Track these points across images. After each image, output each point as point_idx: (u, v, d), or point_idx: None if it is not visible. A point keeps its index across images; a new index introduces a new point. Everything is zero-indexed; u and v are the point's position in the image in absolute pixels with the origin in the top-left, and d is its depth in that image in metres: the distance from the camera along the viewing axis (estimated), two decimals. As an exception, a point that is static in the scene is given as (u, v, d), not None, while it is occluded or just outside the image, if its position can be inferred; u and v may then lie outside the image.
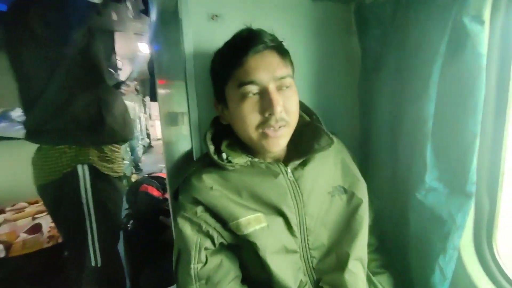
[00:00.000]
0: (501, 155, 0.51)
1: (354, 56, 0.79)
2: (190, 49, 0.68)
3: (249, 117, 0.51)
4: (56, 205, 0.97)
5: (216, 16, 0.68)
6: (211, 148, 0.56)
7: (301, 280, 0.54)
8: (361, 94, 0.76)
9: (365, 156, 0.75)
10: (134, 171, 4.30)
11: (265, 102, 0.50)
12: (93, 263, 0.96)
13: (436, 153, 0.54)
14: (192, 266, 0.50)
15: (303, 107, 0.65)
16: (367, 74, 0.71)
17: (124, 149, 3.81)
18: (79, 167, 0.93)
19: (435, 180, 0.55)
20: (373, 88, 0.68)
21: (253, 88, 0.51)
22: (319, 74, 0.79)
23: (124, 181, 3.42)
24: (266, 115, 0.50)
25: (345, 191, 0.60)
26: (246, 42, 0.51)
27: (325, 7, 0.77)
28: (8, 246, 1.59)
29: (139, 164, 4.73)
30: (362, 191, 0.60)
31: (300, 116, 0.65)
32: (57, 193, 0.94)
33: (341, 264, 0.54)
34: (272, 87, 0.51)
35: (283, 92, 0.52)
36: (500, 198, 0.54)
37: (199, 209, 0.53)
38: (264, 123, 0.51)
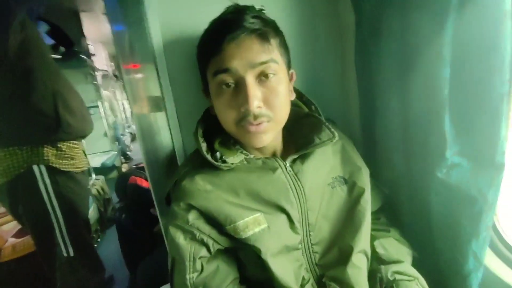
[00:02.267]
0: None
1: (346, 25, 0.70)
2: (156, 26, 0.58)
3: (226, 112, 0.48)
4: (14, 206, 0.99)
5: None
6: (203, 146, 0.51)
7: (303, 277, 0.52)
8: (359, 68, 0.67)
9: (369, 140, 0.68)
10: (123, 160, 4.21)
11: (240, 96, 0.45)
12: (65, 254, 1.04)
13: (456, 124, 0.47)
14: (187, 276, 0.47)
15: (301, 97, 0.60)
16: (365, 44, 0.62)
17: (110, 140, 3.70)
18: (35, 167, 0.93)
19: (457, 155, 0.48)
20: (373, 58, 0.59)
21: (228, 78, 0.46)
22: (303, 50, 0.70)
23: (115, 172, 3.38)
24: (242, 110, 0.46)
25: (346, 181, 0.56)
26: (223, 27, 0.46)
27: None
28: (-1, 252, 1.55)
29: (128, 153, 4.61)
30: (363, 179, 0.55)
31: (298, 106, 0.60)
32: (12, 195, 0.96)
33: (344, 258, 0.52)
34: (250, 78, 0.46)
35: (266, 82, 0.47)
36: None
37: (191, 216, 0.49)
38: (242, 119, 0.47)
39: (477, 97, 0.43)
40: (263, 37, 0.47)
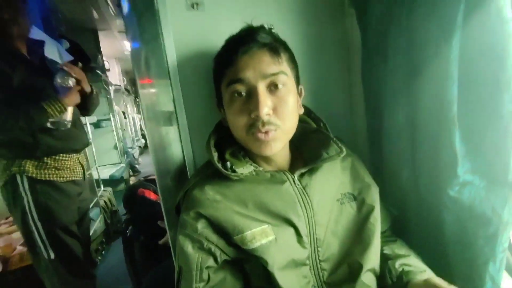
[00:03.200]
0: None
1: (352, 41, 0.72)
2: (170, 43, 0.61)
3: (238, 118, 0.49)
4: (8, 209, 1.15)
5: (197, 4, 0.62)
6: (215, 155, 0.53)
7: None
8: (366, 84, 0.67)
9: (376, 157, 0.68)
10: (131, 173, 4.26)
11: (252, 103, 0.48)
12: (46, 256, 1.14)
13: (467, 141, 0.46)
14: (194, 286, 0.48)
15: (309, 113, 0.62)
16: (371, 60, 0.63)
17: (119, 152, 3.77)
18: (18, 176, 1.08)
19: (469, 173, 0.47)
20: (380, 75, 0.60)
21: (241, 87, 0.49)
22: (311, 65, 0.72)
23: (122, 185, 3.41)
24: (253, 116, 0.48)
25: (355, 198, 0.56)
26: (237, 41, 0.50)
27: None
28: (5, 260, 1.57)
29: (136, 166, 4.67)
30: (372, 197, 0.55)
31: (306, 123, 0.62)
32: (5, 198, 1.12)
33: (353, 276, 0.51)
34: (261, 87, 0.48)
35: (275, 92, 0.49)
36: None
37: (200, 225, 0.49)
38: (251, 125, 0.49)
39: (486, 114, 0.43)
40: (274, 50, 0.49)
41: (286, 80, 0.49)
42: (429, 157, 0.52)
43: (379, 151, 0.66)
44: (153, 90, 0.65)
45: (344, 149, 0.54)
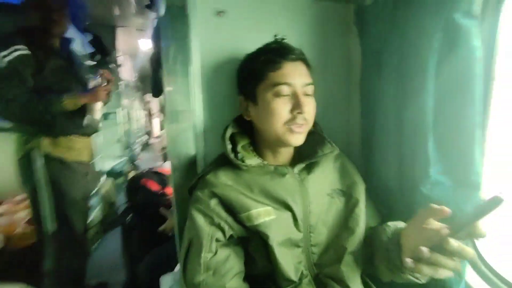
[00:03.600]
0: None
1: (354, 56, 0.81)
2: (196, 45, 0.70)
3: (280, 112, 0.58)
4: (22, 180, 1.25)
5: (222, 12, 0.71)
6: (229, 147, 0.62)
7: (302, 272, 0.58)
8: (363, 94, 0.77)
9: (367, 156, 0.76)
10: (130, 168, 4.31)
11: (296, 103, 0.57)
12: (50, 228, 1.24)
13: (439, 146, 0.55)
14: (202, 255, 0.54)
15: None
16: (369, 74, 0.72)
17: (122, 146, 3.84)
18: (34, 150, 1.19)
19: (440, 174, 0.55)
20: (375, 87, 0.69)
21: (285, 89, 0.58)
22: (314, 75, 0.80)
23: (122, 178, 3.45)
24: (295, 113, 0.57)
25: (344, 193, 0.65)
26: (283, 50, 0.60)
27: (326, 7, 0.79)
28: (7, 238, 1.61)
29: (136, 162, 4.72)
30: (358, 192, 0.64)
31: None
32: (21, 169, 1.23)
33: (339, 257, 0.58)
34: (302, 92, 0.58)
35: (307, 98, 0.59)
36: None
37: (213, 202, 0.58)
38: (291, 120, 0.58)
39: (456, 125, 0.52)
40: (307, 64, 0.62)
41: (313, 91, 0.61)
42: (409, 160, 0.61)
43: (371, 153, 0.74)
44: (175, 87, 0.72)
45: (336, 148, 0.64)
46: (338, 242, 0.60)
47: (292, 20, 0.78)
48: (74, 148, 1.30)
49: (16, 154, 1.23)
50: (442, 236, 0.38)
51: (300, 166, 0.63)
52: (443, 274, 0.42)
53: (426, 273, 0.41)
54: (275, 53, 0.60)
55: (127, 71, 4.17)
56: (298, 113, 0.57)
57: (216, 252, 0.55)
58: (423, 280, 0.50)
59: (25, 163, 1.20)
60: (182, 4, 0.67)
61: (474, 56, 0.47)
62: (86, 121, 1.28)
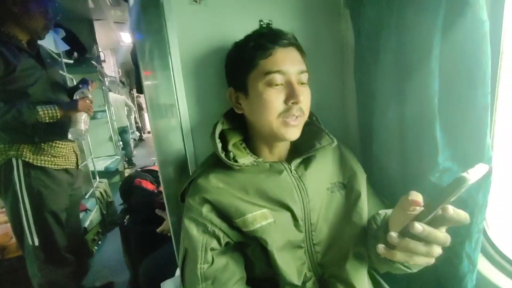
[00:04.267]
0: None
1: (347, 41, 0.75)
2: (173, 36, 0.64)
3: (274, 104, 0.53)
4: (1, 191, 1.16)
5: (199, -2, 0.64)
6: (219, 146, 0.57)
7: (305, 275, 0.55)
8: (359, 80, 0.72)
9: (367, 149, 0.72)
10: (126, 166, 4.25)
11: (290, 92, 0.53)
12: (30, 242, 1.17)
13: (446, 132, 0.51)
14: (198, 266, 0.51)
15: None
16: (363, 60, 0.67)
17: (115, 144, 3.76)
18: (13, 160, 1.10)
19: (449, 160, 0.51)
20: (371, 72, 0.64)
21: (278, 78, 0.53)
22: (310, 61, 0.75)
23: (117, 177, 3.41)
24: (289, 104, 0.53)
25: (344, 186, 0.61)
26: (274, 36, 0.55)
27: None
28: (2, 248, 1.58)
29: (131, 158, 4.66)
30: (359, 183, 0.60)
31: None
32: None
33: (343, 256, 0.55)
34: (296, 80, 0.54)
35: (301, 86, 0.55)
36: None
37: (205, 209, 0.54)
38: (286, 111, 0.54)
39: (464, 107, 0.47)
40: (301, 50, 0.57)
41: (307, 78, 0.56)
42: (414, 148, 0.57)
43: (370, 143, 0.70)
44: (156, 82, 0.67)
45: (335, 140, 0.59)
46: (341, 239, 0.57)
47: (278, 4, 0.71)
48: (59, 155, 1.22)
49: None
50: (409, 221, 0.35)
51: (297, 161, 0.59)
52: (419, 260, 0.39)
53: (398, 258, 0.38)
54: (265, 39, 0.54)
55: (110, 67, 4.00)
56: (294, 103, 0.52)
57: (212, 262, 0.52)
58: (414, 269, 0.48)
59: (3, 173, 1.12)
60: (154, -9, 0.60)
61: (481, 31, 0.42)
62: (70, 134, 1.18)
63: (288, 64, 0.53)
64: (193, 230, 0.53)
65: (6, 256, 1.57)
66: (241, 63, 0.57)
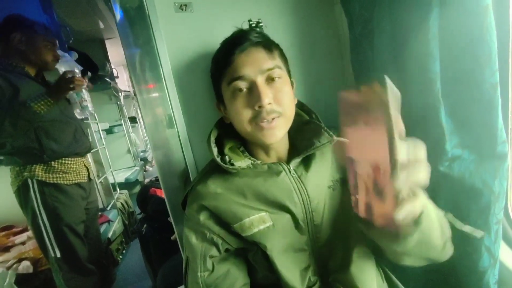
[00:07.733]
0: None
1: (342, 29, 0.72)
2: (163, 46, 0.64)
3: (242, 112, 0.52)
4: (22, 210, 1.24)
5: (185, 5, 0.64)
6: (215, 150, 0.56)
7: (309, 279, 0.53)
8: (356, 68, 0.68)
9: None
10: (145, 176, 4.38)
11: (254, 96, 0.50)
12: (52, 254, 1.24)
13: (453, 116, 0.47)
14: (199, 274, 0.51)
15: (301, 106, 0.64)
16: (359, 43, 0.63)
17: (132, 156, 3.89)
18: (29, 180, 1.18)
19: (458, 147, 0.47)
20: (368, 59, 0.60)
21: (242, 84, 0.51)
22: (303, 58, 0.73)
23: (138, 187, 3.52)
24: (256, 108, 0.51)
25: (345, 182, 0.57)
26: (233, 42, 0.53)
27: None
28: (35, 262, 1.67)
29: (150, 168, 4.79)
30: None
31: (299, 115, 0.64)
32: (20, 200, 1.22)
33: (348, 258, 0.53)
34: (260, 81, 0.51)
35: (273, 84, 0.52)
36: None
37: (202, 216, 0.53)
38: (256, 116, 0.51)
39: (470, 89, 0.43)
40: (267, 47, 0.53)
41: (281, 73, 0.53)
42: (417, 135, 0.52)
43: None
44: (150, 94, 0.67)
45: (334, 137, 0.55)
46: (349, 239, 0.54)
47: (266, 2, 0.70)
48: (69, 171, 1.28)
49: (12, 187, 1.23)
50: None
51: (296, 160, 0.56)
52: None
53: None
54: (226, 47, 0.54)
55: (125, 82, 4.16)
56: (260, 107, 0.50)
57: (213, 269, 0.52)
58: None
59: (22, 193, 1.20)
60: (138, 3, 0.60)
61: (483, 3, 0.38)
62: (77, 114, 1.24)
63: (247, 67, 0.51)
64: (192, 238, 0.53)
65: (40, 268, 1.66)
66: (213, 76, 0.58)
